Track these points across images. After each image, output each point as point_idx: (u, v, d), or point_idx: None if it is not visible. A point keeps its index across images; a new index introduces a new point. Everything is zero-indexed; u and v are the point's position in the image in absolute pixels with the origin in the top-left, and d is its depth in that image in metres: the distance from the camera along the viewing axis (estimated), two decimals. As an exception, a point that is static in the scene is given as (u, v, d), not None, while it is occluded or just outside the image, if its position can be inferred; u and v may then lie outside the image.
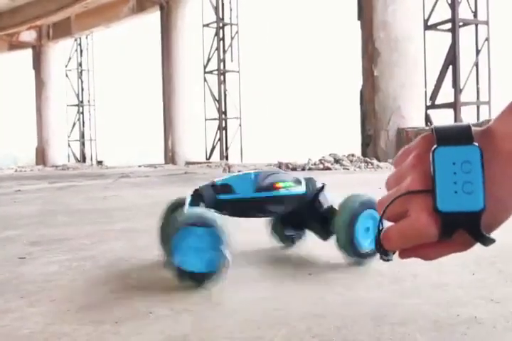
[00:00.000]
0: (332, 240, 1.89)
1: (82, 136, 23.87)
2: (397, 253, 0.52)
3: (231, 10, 17.34)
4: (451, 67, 10.99)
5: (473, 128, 0.48)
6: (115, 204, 4.24)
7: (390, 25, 10.65)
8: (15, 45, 23.85)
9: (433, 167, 0.47)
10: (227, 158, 16.87)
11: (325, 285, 1.48)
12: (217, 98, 17.16)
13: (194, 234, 1.46)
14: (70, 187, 6.75)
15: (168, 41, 17.36)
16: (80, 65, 23.81)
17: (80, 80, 23.80)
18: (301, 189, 1.82)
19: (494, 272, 1.57)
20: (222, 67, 17.11)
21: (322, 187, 1.87)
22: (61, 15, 21.18)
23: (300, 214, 1.87)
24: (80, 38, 23.56)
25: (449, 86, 11.09)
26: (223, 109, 17.20)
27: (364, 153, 10.78)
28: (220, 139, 17.22)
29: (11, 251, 2.24)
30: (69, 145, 24.01)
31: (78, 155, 23.89)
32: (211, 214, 1.53)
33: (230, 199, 1.71)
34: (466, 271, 1.58)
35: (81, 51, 23.81)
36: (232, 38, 17.36)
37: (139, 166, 15.94)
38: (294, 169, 9.73)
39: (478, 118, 11.09)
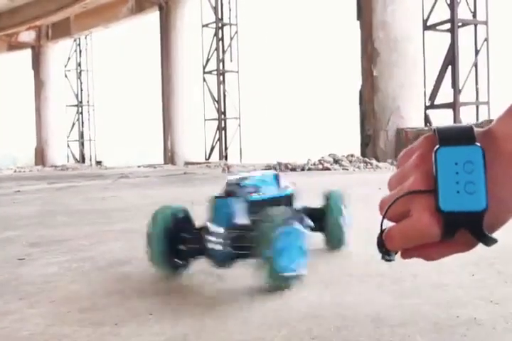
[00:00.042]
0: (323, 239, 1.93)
1: (82, 136, 23.87)
2: (399, 253, 0.52)
3: (230, 10, 17.35)
4: (450, 67, 11.00)
5: (475, 129, 0.48)
6: (114, 204, 4.23)
7: (389, 25, 10.65)
8: (14, 46, 23.85)
9: (435, 167, 0.47)
10: (226, 158, 16.87)
11: (325, 285, 1.48)
12: (216, 98, 17.17)
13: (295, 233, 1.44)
14: (69, 188, 6.74)
15: (167, 41, 17.36)
16: (79, 65, 23.81)
17: (79, 80, 23.80)
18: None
19: (494, 273, 1.57)
20: (221, 67, 17.12)
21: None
22: (60, 16, 21.17)
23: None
24: (79, 39, 23.56)
25: (448, 86, 11.10)
26: (222, 109, 17.20)
27: (363, 153, 10.78)
28: (220, 139, 17.23)
29: (10, 252, 2.24)
30: (68, 146, 24.01)
31: (77, 156, 23.89)
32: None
33: (260, 199, 1.69)
34: (466, 271, 1.58)
35: (80, 51, 23.82)
36: (231, 38, 17.37)
37: (138, 166, 15.94)
38: (293, 169, 9.74)
39: (477, 119, 11.10)
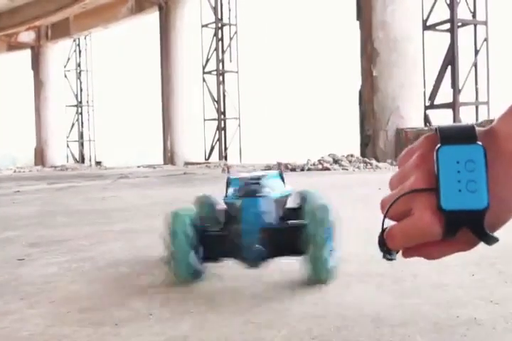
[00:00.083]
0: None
1: (81, 136, 23.87)
2: (400, 252, 0.52)
3: (230, 10, 17.34)
4: (449, 67, 11.00)
5: (476, 128, 0.48)
6: (114, 204, 4.23)
7: (389, 25, 10.65)
8: (13, 46, 23.85)
9: (437, 165, 0.47)
10: (226, 159, 16.87)
11: (325, 285, 1.48)
12: (216, 98, 17.17)
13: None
14: (68, 188, 6.74)
15: (166, 42, 17.36)
16: (79, 65, 23.80)
17: (78, 81, 23.80)
18: None
19: (494, 273, 1.57)
20: (221, 67, 17.12)
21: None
22: (60, 16, 21.17)
23: None
24: (79, 39, 23.56)
25: (448, 86, 11.10)
26: (222, 110, 17.20)
27: (363, 154, 10.78)
28: (219, 139, 17.22)
29: (10, 252, 2.24)
30: (68, 146, 24.01)
31: (77, 156, 23.88)
32: None
33: (278, 197, 1.70)
34: (467, 271, 1.58)
35: (80, 52, 23.81)
36: (230, 39, 17.37)
37: (138, 167, 15.94)
38: (293, 169, 9.73)
39: (477, 119, 11.10)
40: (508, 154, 0.47)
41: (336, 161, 9.87)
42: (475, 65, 11.38)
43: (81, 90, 23.78)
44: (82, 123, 23.82)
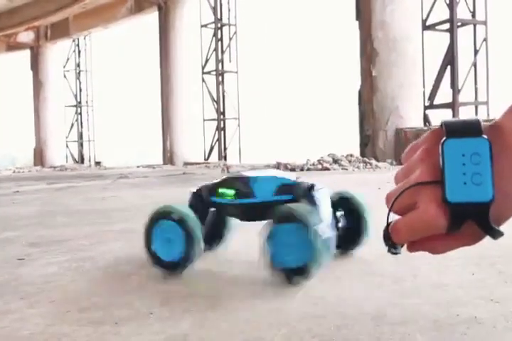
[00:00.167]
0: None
1: (81, 136, 23.86)
2: (405, 247, 0.52)
3: (229, 10, 17.34)
4: (449, 67, 11.00)
5: (482, 122, 0.49)
6: (114, 204, 4.23)
7: (389, 25, 10.66)
8: (13, 46, 23.84)
9: (442, 158, 0.47)
10: (225, 159, 16.87)
11: (324, 285, 1.48)
12: (215, 98, 17.16)
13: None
14: (68, 188, 6.74)
15: (166, 42, 17.36)
16: (78, 65, 23.80)
17: (78, 81, 23.80)
18: None
19: (494, 273, 1.57)
20: (220, 67, 17.11)
21: None
22: (59, 16, 21.16)
23: None
24: (78, 39, 23.56)
25: (448, 86, 11.10)
26: (221, 110, 17.20)
27: (362, 153, 10.79)
28: (219, 140, 17.22)
29: (9, 252, 2.24)
30: (67, 146, 24.00)
31: (76, 156, 23.88)
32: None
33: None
34: (466, 271, 1.58)
35: (79, 52, 23.81)
36: (230, 39, 17.36)
37: (138, 167, 15.93)
38: (292, 169, 9.73)
39: (476, 119, 11.09)
40: None
41: (335, 161, 9.87)
42: (474, 64, 11.38)
43: (80, 90, 23.77)
44: (81, 123, 23.82)
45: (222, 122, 17.24)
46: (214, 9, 17.14)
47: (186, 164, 15.85)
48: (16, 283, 1.66)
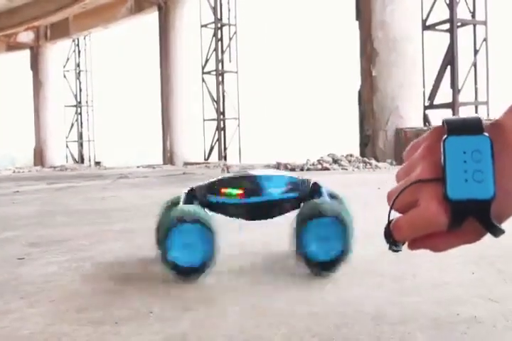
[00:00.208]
0: None
1: (80, 136, 23.87)
2: (406, 245, 0.52)
3: (229, 10, 17.35)
4: (449, 67, 11.01)
5: (483, 120, 0.49)
6: (114, 204, 4.23)
7: (389, 25, 10.66)
8: (12, 46, 23.85)
9: (443, 156, 0.47)
10: (225, 159, 16.87)
11: (324, 284, 1.48)
12: (215, 99, 17.17)
13: None
14: (68, 188, 6.74)
15: (166, 42, 17.36)
16: (78, 65, 23.81)
17: (78, 81, 23.81)
18: None
19: (494, 272, 1.57)
20: (220, 67, 17.12)
21: None
22: (59, 16, 21.16)
23: None
24: (78, 39, 23.56)
25: (448, 86, 11.11)
26: (221, 110, 17.21)
27: (362, 153, 10.79)
28: (219, 140, 17.23)
29: (9, 251, 2.24)
30: (67, 146, 24.01)
31: (76, 156, 23.88)
32: None
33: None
34: (466, 270, 1.58)
35: (79, 52, 23.82)
36: (230, 39, 17.37)
37: (138, 167, 15.93)
38: (292, 169, 9.74)
39: (476, 119, 11.09)
40: None
41: (335, 161, 9.87)
42: (474, 64, 11.39)
43: (80, 90, 23.78)
44: (81, 123, 23.82)
45: (222, 122, 17.25)
46: (214, 9, 17.14)
47: (186, 164, 15.86)
48: (15, 283, 1.66)
